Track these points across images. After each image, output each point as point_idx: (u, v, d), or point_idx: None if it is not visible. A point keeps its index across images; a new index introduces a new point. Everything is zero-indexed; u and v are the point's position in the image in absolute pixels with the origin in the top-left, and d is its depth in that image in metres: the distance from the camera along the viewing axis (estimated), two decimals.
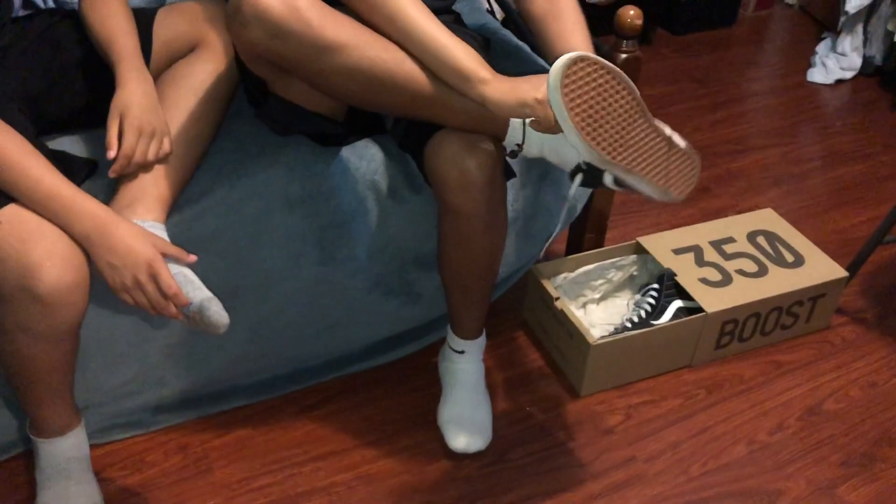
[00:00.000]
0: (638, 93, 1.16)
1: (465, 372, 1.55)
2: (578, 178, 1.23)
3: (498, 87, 1.18)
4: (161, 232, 1.26)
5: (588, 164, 1.21)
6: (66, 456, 1.37)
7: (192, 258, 1.19)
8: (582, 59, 1.10)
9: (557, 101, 1.10)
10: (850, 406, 1.68)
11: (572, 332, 1.63)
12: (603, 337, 1.64)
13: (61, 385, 1.30)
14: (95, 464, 1.44)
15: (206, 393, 1.54)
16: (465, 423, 1.50)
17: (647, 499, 1.48)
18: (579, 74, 1.10)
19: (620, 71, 1.13)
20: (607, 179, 1.22)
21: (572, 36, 1.31)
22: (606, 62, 1.10)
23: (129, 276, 1.16)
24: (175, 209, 1.32)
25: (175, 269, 1.21)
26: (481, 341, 1.56)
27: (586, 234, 1.83)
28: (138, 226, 1.20)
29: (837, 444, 1.60)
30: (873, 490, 1.52)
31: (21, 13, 1.41)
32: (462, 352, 1.54)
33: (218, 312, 1.17)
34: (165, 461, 1.48)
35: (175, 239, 1.30)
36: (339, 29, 1.16)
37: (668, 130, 1.21)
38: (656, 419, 1.63)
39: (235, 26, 1.16)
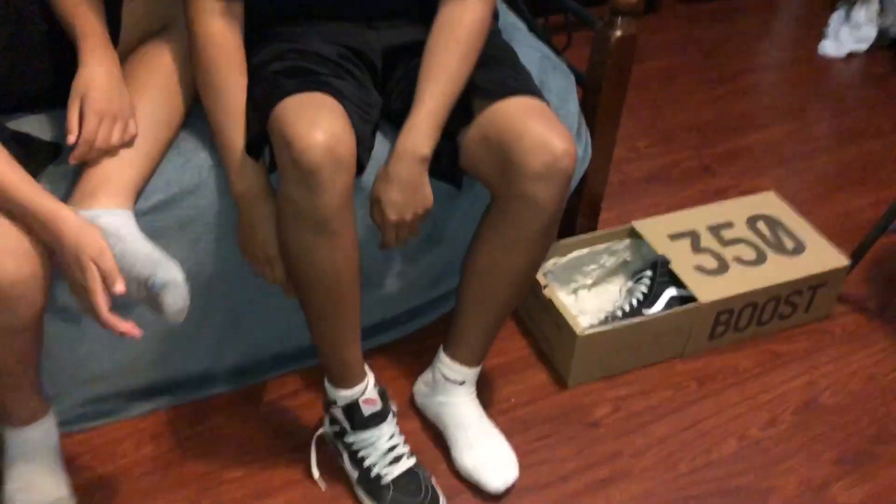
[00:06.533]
0: None
1: (467, 407, 1.45)
2: None
3: None
4: (128, 219, 1.21)
5: None
6: (34, 446, 1.33)
7: (121, 288, 1.07)
8: None
9: None
10: (848, 400, 1.62)
11: (560, 322, 1.58)
12: (591, 327, 1.59)
13: (24, 377, 1.26)
14: (65, 452, 1.39)
15: (181, 380, 1.50)
16: (492, 461, 1.41)
17: (632, 496, 1.44)
18: None
19: None
20: None
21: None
22: None
23: (79, 271, 1.09)
24: (142, 197, 1.26)
25: (145, 247, 1.15)
26: (479, 368, 1.47)
27: (578, 218, 1.77)
28: (83, 221, 1.11)
29: (833, 440, 1.55)
30: (868, 490, 1.47)
31: None
32: (462, 382, 1.44)
33: (174, 296, 1.11)
34: (137, 451, 1.45)
35: (143, 229, 1.25)
36: None
37: None
38: (645, 412, 1.58)
39: None
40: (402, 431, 1.42)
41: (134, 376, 1.45)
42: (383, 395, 1.36)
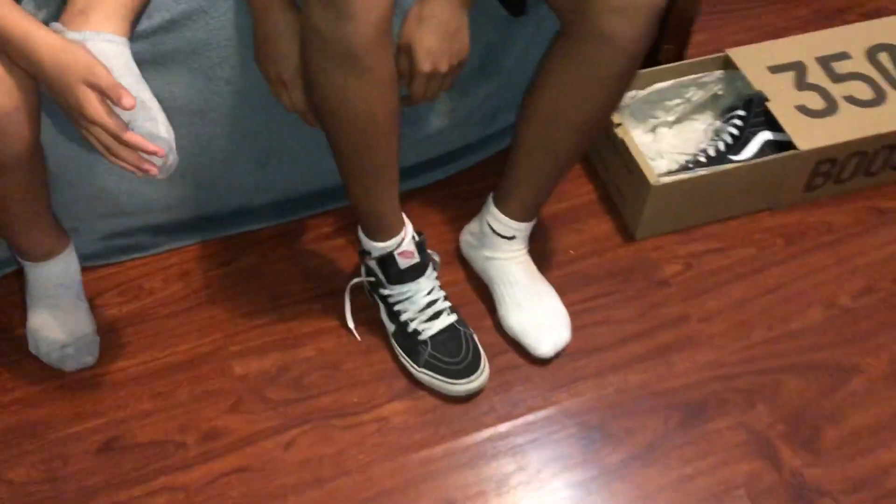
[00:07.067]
0: None
1: (517, 264, 1.29)
2: None
3: None
4: (122, 47, 1.03)
5: None
6: (54, 282, 1.26)
7: (131, 101, 0.91)
8: None
9: None
10: None
11: (632, 167, 1.38)
12: (668, 175, 1.39)
13: (32, 211, 1.16)
14: (90, 288, 1.33)
15: (212, 215, 1.39)
16: (542, 323, 1.27)
17: (697, 365, 1.30)
18: None
19: None
20: None
21: None
22: None
23: (71, 97, 0.93)
24: (144, 16, 1.09)
25: (133, 87, 0.98)
26: (533, 222, 1.30)
27: (664, 44, 1.52)
28: (63, 39, 0.95)
29: None
30: None
31: None
32: (512, 238, 1.28)
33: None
34: (165, 289, 1.37)
35: (145, 55, 1.09)
36: None
37: None
38: (720, 271, 1.41)
39: None
40: (445, 283, 1.29)
41: (158, 214, 1.34)
42: (422, 246, 1.22)
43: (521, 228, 1.28)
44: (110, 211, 1.31)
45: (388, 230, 1.18)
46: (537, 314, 1.29)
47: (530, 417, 1.24)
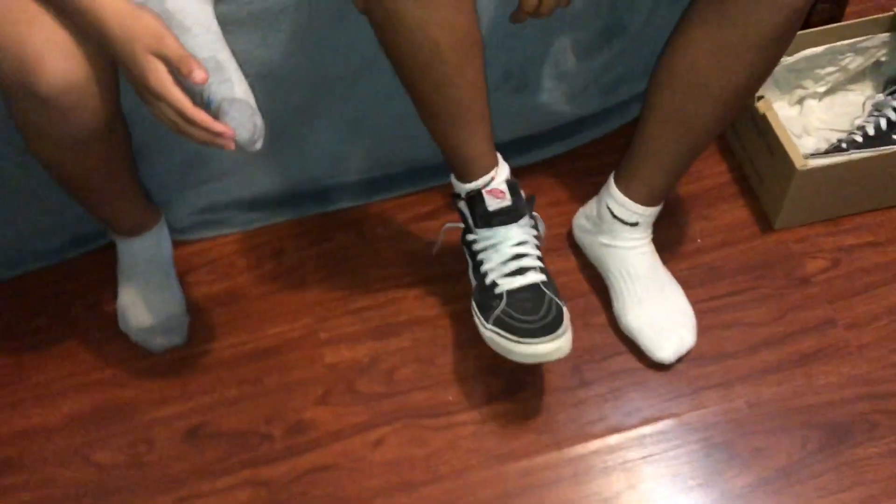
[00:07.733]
0: None
1: (639, 254, 1.15)
2: None
3: None
4: (202, 3, 0.95)
5: None
6: (144, 258, 1.21)
7: (202, 75, 0.81)
8: None
9: None
10: None
11: (774, 147, 1.21)
12: (816, 156, 1.21)
13: (116, 188, 1.11)
14: (181, 264, 1.27)
15: (306, 191, 1.31)
16: (664, 324, 1.13)
17: (843, 379, 1.13)
18: None
19: None
20: None
21: None
22: None
23: (136, 69, 0.84)
24: None
25: (210, 47, 0.89)
26: (660, 207, 1.15)
27: (818, 2, 1.32)
28: (128, 4, 0.86)
29: None
30: None
31: None
32: (635, 224, 1.13)
33: (238, 119, 0.85)
34: (258, 267, 1.30)
35: (232, 16, 1.00)
36: None
37: None
38: (875, 270, 1.22)
39: None
40: (554, 271, 1.15)
41: (249, 184, 1.27)
42: (515, 189, 1.06)
43: (646, 214, 1.14)
44: (202, 178, 1.24)
45: (476, 171, 1.04)
46: (659, 313, 1.14)
47: (645, 430, 1.11)
